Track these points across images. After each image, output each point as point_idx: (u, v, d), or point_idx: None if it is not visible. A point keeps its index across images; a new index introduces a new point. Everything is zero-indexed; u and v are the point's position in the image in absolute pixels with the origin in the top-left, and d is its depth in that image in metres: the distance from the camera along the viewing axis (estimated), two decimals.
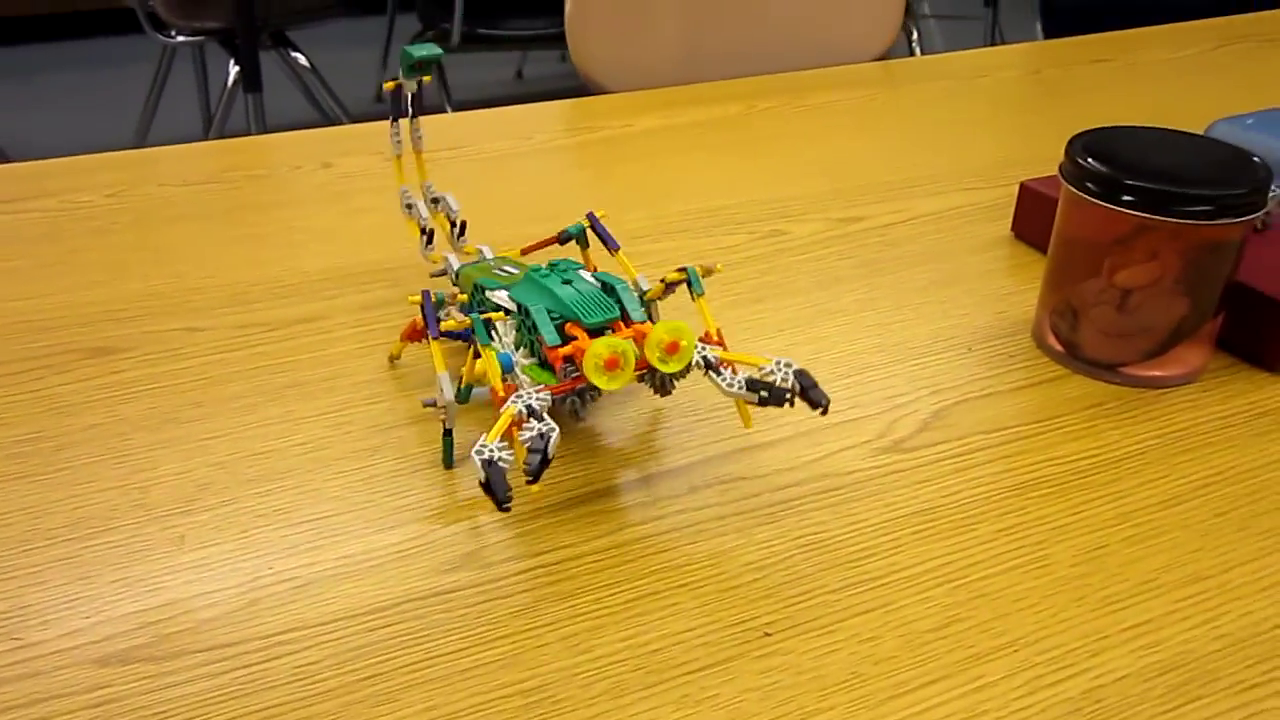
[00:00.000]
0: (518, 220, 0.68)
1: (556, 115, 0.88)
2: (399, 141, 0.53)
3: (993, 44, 2.65)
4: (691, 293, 0.46)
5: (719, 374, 0.42)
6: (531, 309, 0.43)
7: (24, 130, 3.05)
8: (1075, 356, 0.54)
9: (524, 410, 0.39)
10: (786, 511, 0.43)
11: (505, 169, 0.76)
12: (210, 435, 0.47)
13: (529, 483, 0.37)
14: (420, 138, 0.54)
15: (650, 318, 0.47)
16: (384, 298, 0.59)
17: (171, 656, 0.36)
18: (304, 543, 0.41)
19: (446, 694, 0.35)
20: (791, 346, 0.55)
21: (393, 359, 0.53)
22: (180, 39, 2.14)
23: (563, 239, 0.52)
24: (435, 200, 0.55)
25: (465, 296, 0.50)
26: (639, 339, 0.42)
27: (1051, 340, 0.55)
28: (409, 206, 0.55)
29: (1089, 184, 0.51)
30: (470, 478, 0.45)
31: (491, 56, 3.27)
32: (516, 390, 0.41)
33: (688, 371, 0.43)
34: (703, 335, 0.45)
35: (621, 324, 0.43)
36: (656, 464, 0.46)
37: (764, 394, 0.41)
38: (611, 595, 0.39)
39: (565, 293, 0.43)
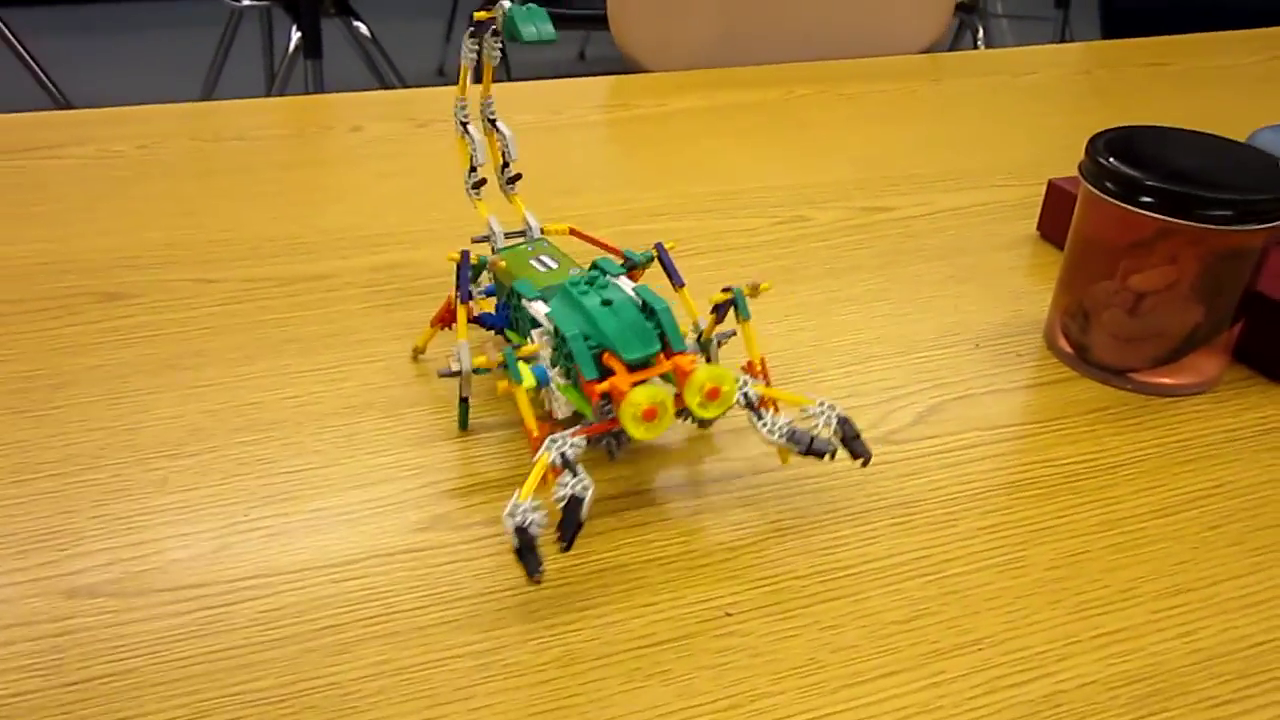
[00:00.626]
0: (537, 192, 0.68)
1: (589, 92, 0.87)
2: (475, 54, 0.47)
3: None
4: (737, 315, 0.43)
5: (760, 417, 0.40)
6: (569, 338, 0.40)
7: (96, 87, 3.11)
8: (1085, 360, 0.53)
9: (559, 460, 0.37)
10: (767, 494, 0.43)
11: (530, 140, 0.76)
12: (206, 383, 0.48)
13: (562, 549, 0.36)
14: (496, 53, 0.47)
15: (708, 358, 0.45)
16: (395, 260, 0.59)
17: (137, 593, 0.37)
18: (280, 493, 0.41)
19: (399, 649, 0.35)
20: (796, 331, 0.54)
21: (417, 352, 0.50)
22: (246, 3, 2.17)
23: (627, 265, 0.47)
24: (492, 121, 0.50)
25: (490, 279, 0.48)
26: (680, 376, 0.39)
27: (1062, 342, 0.54)
28: (464, 125, 0.49)
29: (1108, 183, 0.49)
30: (464, 445, 0.45)
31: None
32: (549, 434, 0.38)
33: (727, 410, 0.40)
34: (745, 365, 0.43)
35: (663, 356, 0.41)
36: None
37: (806, 446, 0.39)
38: (577, 566, 0.39)
39: (604, 319, 0.40)
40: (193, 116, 0.77)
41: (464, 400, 0.44)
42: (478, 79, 0.48)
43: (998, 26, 3.79)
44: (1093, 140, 0.51)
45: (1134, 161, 0.49)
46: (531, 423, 0.40)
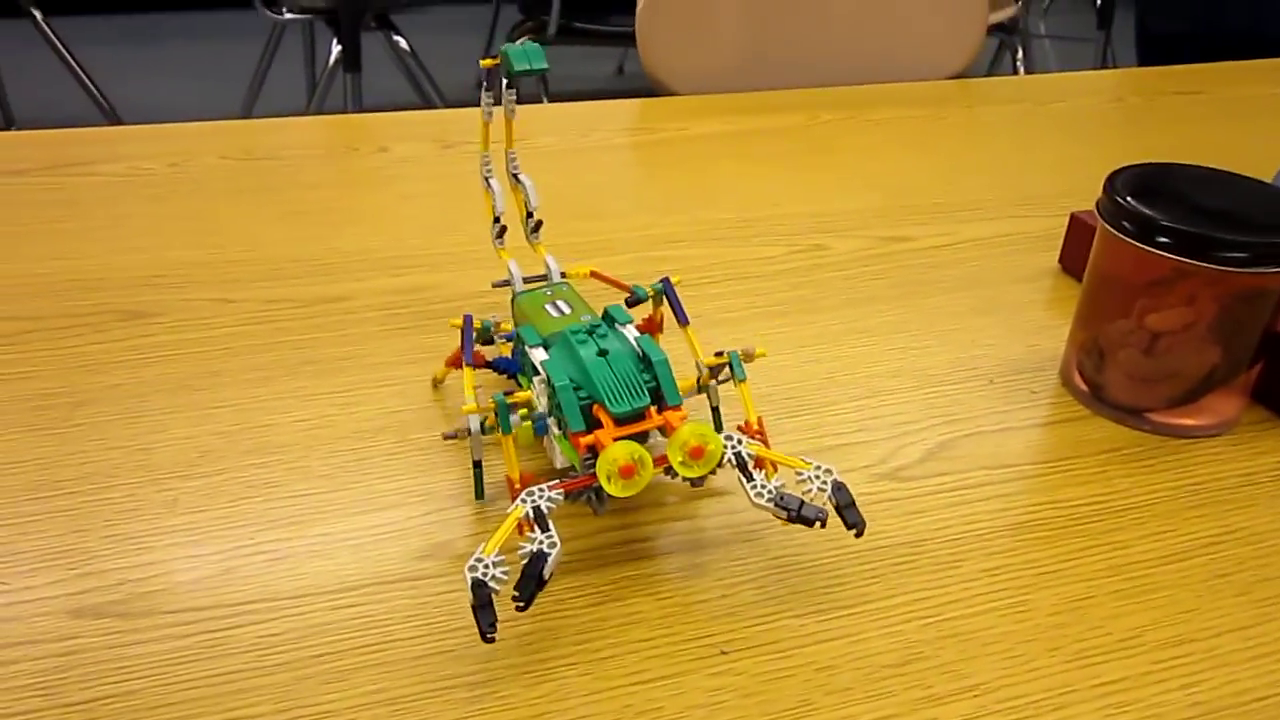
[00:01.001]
0: (559, 215, 0.69)
1: (616, 115, 0.88)
2: (490, 110, 0.49)
3: (1103, 67, 2.57)
4: (733, 377, 0.43)
5: (750, 479, 0.38)
6: (557, 389, 0.39)
7: (143, 96, 3.17)
8: (1099, 398, 0.52)
9: (530, 513, 0.37)
10: (769, 530, 0.43)
11: (555, 164, 0.77)
12: (220, 404, 0.49)
13: (518, 609, 0.35)
14: (514, 107, 0.48)
15: (710, 398, 0.45)
16: (414, 283, 0.60)
17: (142, 615, 0.37)
18: (287, 517, 0.42)
19: (394, 679, 0.35)
20: (809, 363, 0.54)
21: (436, 383, 0.51)
22: (289, 16, 2.21)
23: (630, 302, 0.47)
24: (515, 176, 0.51)
25: (509, 325, 0.48)
26: (669, 431, 0.39)
27: (1077, 380, 0.53)
28: (486, 180, 0.51)
29: (1124, 223, 0.49)
30: (461, 477, 0.45)
31: (595, 50, 3.29)
32: (530, 485, 0.38)
33: (717, 469, 0.39)
34: (741, 424, 0.43)
35: (654, 410, 0.40)
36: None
37: (794, 512, 0.37)
38: (575, 598, 0.39)
39: (596, 369, 0.40)
40: (223, 134, 0.79)
41: (477, 464, 0.43)
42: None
43: (1040, 48, 3.76)
44: (1111, 178, 0.51)
45: (1151, 200, 0.49)
46: (514, 472, 0.40)
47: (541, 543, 0.36)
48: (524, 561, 0.35)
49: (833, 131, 0.86)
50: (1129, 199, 0.49)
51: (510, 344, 0.48)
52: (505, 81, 0.46)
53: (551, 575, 0.36)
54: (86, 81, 2.38)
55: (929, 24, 1.06)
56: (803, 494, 0.38)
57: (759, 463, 0.40)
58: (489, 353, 0.53)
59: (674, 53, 1.00)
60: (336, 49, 2.16)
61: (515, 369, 0.45)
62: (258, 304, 0.57)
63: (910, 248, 0.67)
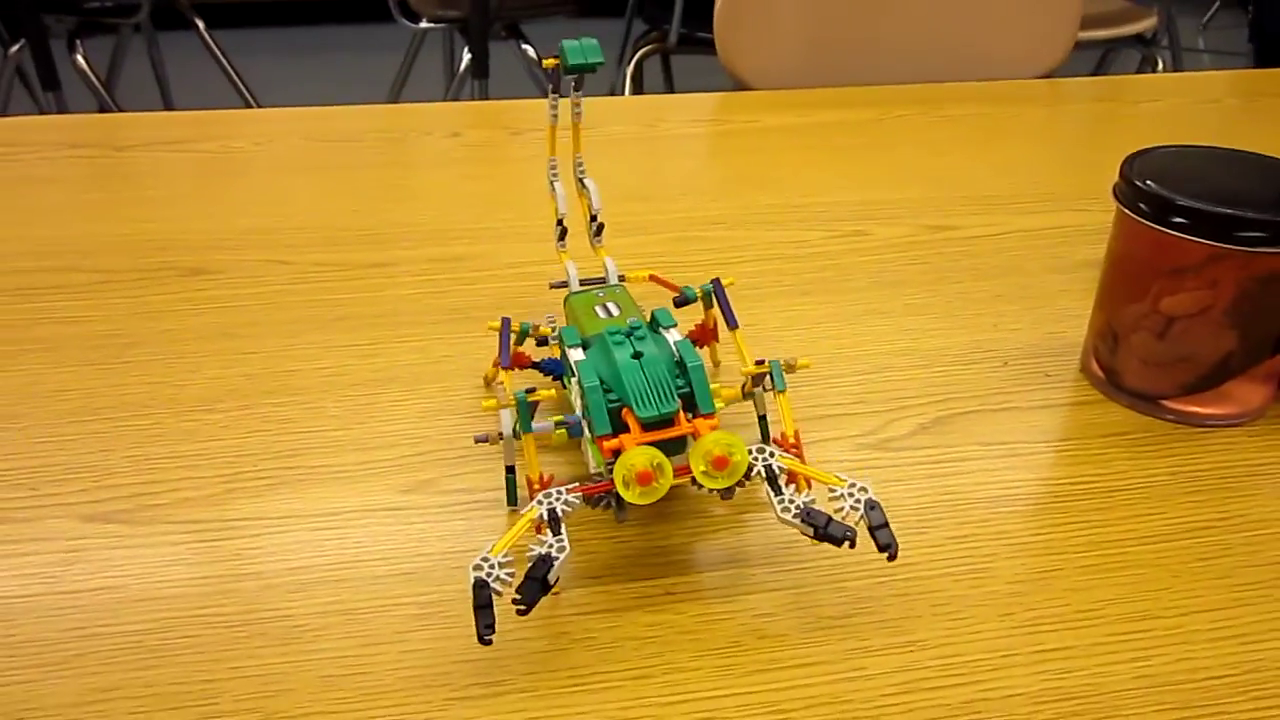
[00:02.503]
0: (607, 197, 0.71)
1: (688, 106, 0.90)
2: (555, 114, 0.48)
3: None
4: (773, 386, 0.42)
5: (778, 493, 0.37)
6: (586, 389, 0.38)
7: (291, 102, 3.36)
8: (1115, 385, 0.51)
9: (544, 515, 0.36)
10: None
11: (617, 150, 0.79)
12: (253, 351, 0.52)
13: (519, 613, 0.34)
14: (580, 113, 0.47)
15: (757, 406, 0.44)
16: (455, 252, 0.63)
17: (145, 523, 0.41)
18: (290, 450, 0.45)
19: (351, 592, 0.38)
20: (821, 339, 0.55)
21: (489, 381, 0.50)
22: (424, 25, 2.31)
23: (679, 302, 0.46)
24: (582, 181, 0.50)
25: (548, 330, 0.48)
26: (696, 438, 0.37)
27: (1094, 366, 0.52)
28: (552, 184, 0.50)
29: (1141, 204, 0.48)
30: (471, 421, 0.48)
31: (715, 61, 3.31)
32: (549, 485, 0.38)
33: (746, 481, 0.37)
34: (777, 437, 0.42)
35: (684, 415, 0.38)
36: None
37: (821, 529, 0.36)
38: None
39: (628, 372, 0.38)
40: (309, 119, 0.84)
41: (510, 469, 0.42)
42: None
43: (1198, 62, 3.59)
44: (1128, 160, 0.50)
45: (1167, 182, 0.47)
46: (534, 472, 0.39)
47: (551, 546, 0.35)
48: (529, 564, 0.34)
49: (903, 127, 0.85)
50: (1145, 181, 0.48)
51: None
52: (571, 81, 0.45)
53: (557, 580, 0.34)
54: (242, 88, 2.55)
55: (1018, 23, 1.04)
56: (835, 511, 0.36)
57: (791, 477, 0.38)
58: (537, 354, 0.53)
59: (752, 49, 1.01)
60: (468, 56, 2.25)
61: (560, 370, 0.44)
62: (307, 266, 0.61)
63: (952, 237, 0.67)
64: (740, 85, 1.05)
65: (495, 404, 0.41)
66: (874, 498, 0.36)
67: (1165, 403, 0.50)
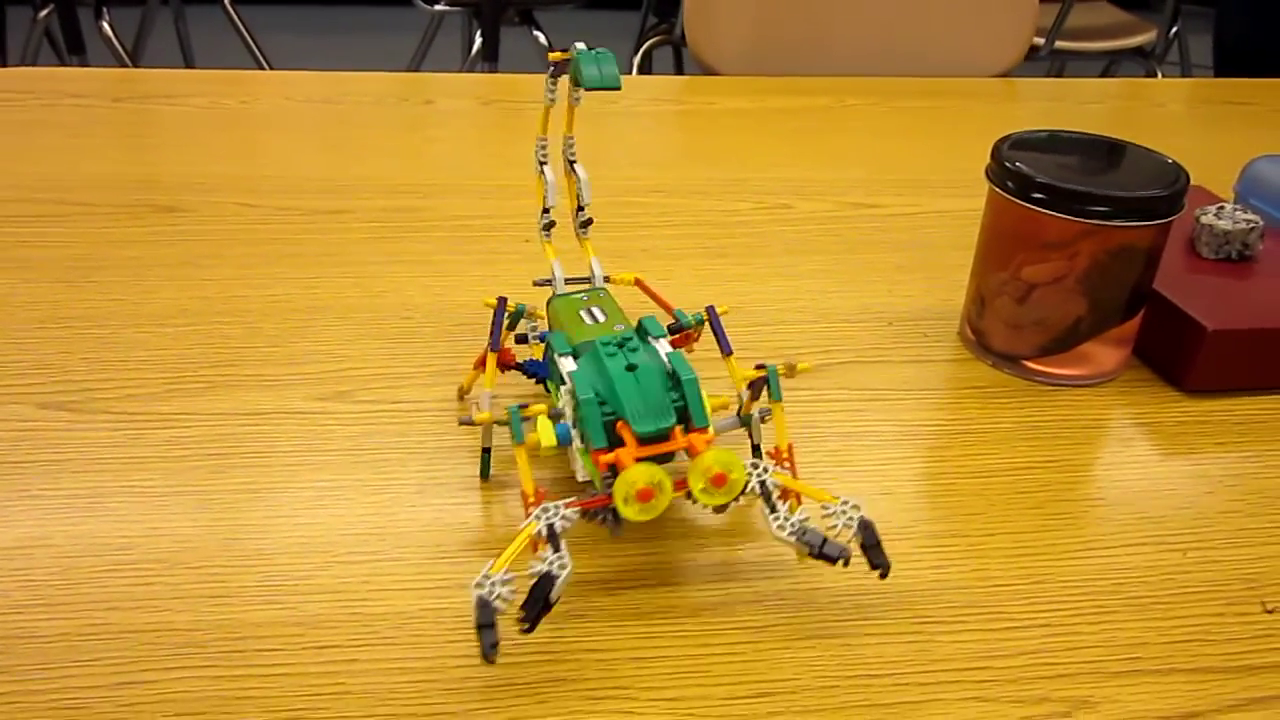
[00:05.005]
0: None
1: (649, 87, 0.95)
2: (553, 97, 0.46)
3: None
4: (769, 395, 0.42)
5: (773, 510, 0.38)
6: (581, 402, 0.38)
7: None
8: (982, 345, 0.56)
9: (543, 531, 0.36)
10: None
11: (580, 122, 0.84)
12: (209, 278, 0.58)
13: (522, 630, 0.34)
14: (579, 99, 0.46)
15: (751, 435, 0.44)
16: (408, 204, 0.68)
17: (91, 413, 0.47)
18: (229, 360, 0.51)
19: (266, 475, 0.44)
20: (723, 295, 0.60)
21: (462, 392, 0.50)
22: (438, 8, 2.37)
23: (674, 329, 0.47)
24: (571, 163, 0.49)
25: (542, 313, 0.48)
26: (692, 455, 0.37)
27: (967, 329, 0.57)
28: (541, 165, 0.48)
29: (1007, 182, 0.53)
30: (393, 342, 0.53)
31: None
32: (544, 501, 0.38)
33: (740, 497, 0.38)
34: (771, 450, 0.41)
35: (680, 430, 0.38)
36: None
37: (816, 547, 0.37)
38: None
39: (623, 385, 0.38)
40: (293, 82, 0.90)
41: (486, 451, 0.44)
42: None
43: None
44: (999, 142, 0.54)
45: (1032, 161, 0.52)
46: (529, 486, 0.39)
47: (552, 564, 0.35)
48: (532, 582, 0.35)
49: (854, 115, 0.90)
50: (1011, 161, 0.53)
51: (543, 345, 0.47)
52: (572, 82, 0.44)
53: (559, 598, 0.35)
54: (263, 63, 2.61)
55: (977, 24, 1.08)
56: (827, 529, 0.37)
57: (784, 493, 0.39)
58: (519, 353, 0.53)
59: (720, 37, 1.06)
60: (479, 40, 2.30)
61: (544, 374, 0.45)
62: (269, 209, 0.67)
63: (872, 214, 0.72)
64: (709, 73, 1.10)
65: (490, 416, 0.41)
66: (866, 517, 0.37)
67: (1026, 363, 0.55)
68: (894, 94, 0.96)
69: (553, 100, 0.47)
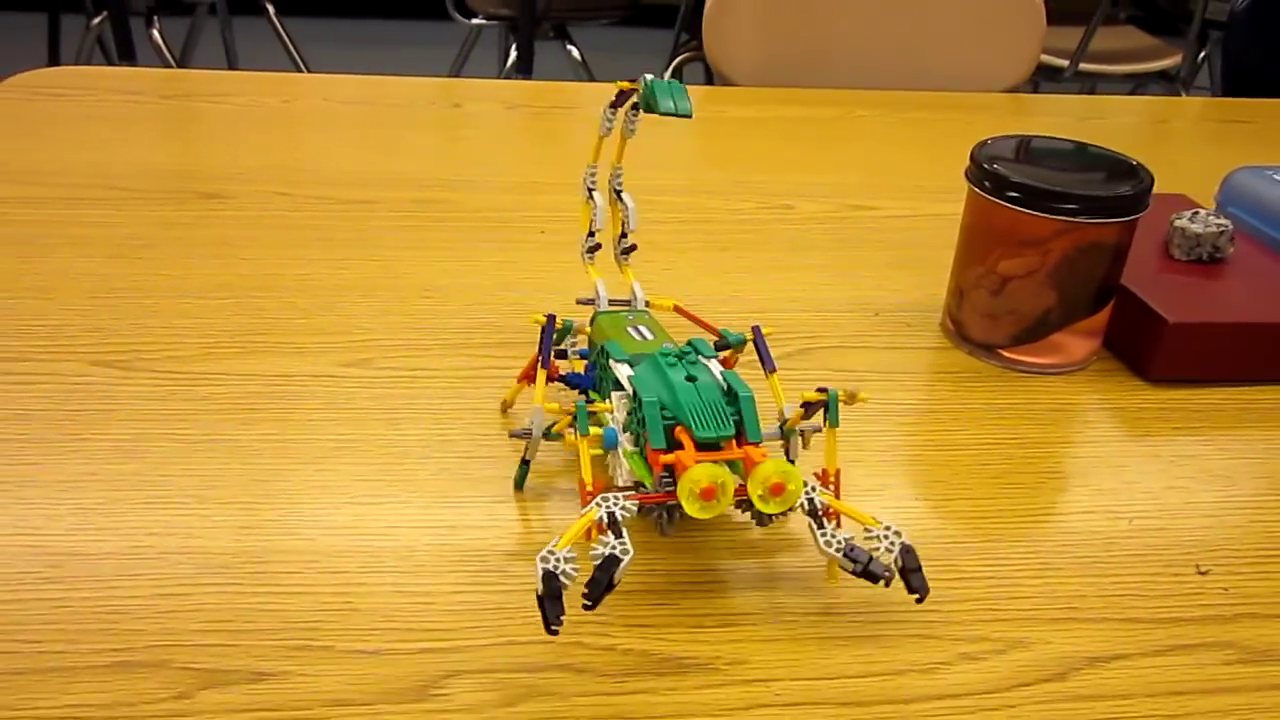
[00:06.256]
0: (561, 170, 0.81)
1: None
2: (610, 126, 0.48)
3: None
4: (825, 421, 0.42)
5: (821, 526, 0.39)
6: (645, 404, 0.39)
7: None
8: (960, 335, 0.59)
9: (604, 518, 0.37)
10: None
11: (587, 127, 0.89)
12: (246, 258, 0.63)
13: (586, 607, 0.35)
14: (634, 130, 0.48)
15: (788, 450, 0.44)
16: (435, 196, 0.73)
17: (137, 370, 0.52)
18: (259, 329, 0.56)
19: (287, 426, 0.48)
20: (721, 286, 0.64)
21: (505, 406, 0.51)
22: (475, 21, 2.43)
23: (720, 345, 0.48)
24: (618, 192, 0.51)
25: (585, 339, 0.49)
26: (748, 466, 0.39)
27: (947, 320, 0.61)
28: (590, 191, 0.50)
29: (985, 182, 0.56)
30: (408, 318, 0.58)
31: None
32: (604, 489, 0.39)
33: (789, 512, 0.40)
34: (819, 472, 0.42)
35: (734, 442, 0.40)
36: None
37: (862, 566, 0.38)
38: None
39: (685, 393, 0.40)
40: (333, 85, 0.95)
41: (525, 462, 0.45)
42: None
43: None
44: (978, 145, 0.58)
45: (1007, 163, 0.56)
46: (588, 475, 0.40)
47: (614, 547, 0.36)
48: (595, 563, 0.36)
49: (862, 125, 0.94)
50: (988, 162, 0.57)
51: (583, 360, 0.49)
52: (633, 104, 0.46)
53: (620, 580, 0.36)
54: (305, 72, 2.70)
55: (987, 40, 1.12)
56: (870, 550, 0.39)
57: (828, 513, 0.40)
58: (560, 368, 0.52)
59: (738, 49, 1.10)
60: (514, 53, 2.37)
61: (589, 385, 0.46)
62: (305, 199, 0.72)
63: (870, 215, 0.75)
64: (724, 83, 1.14)
65: (558, 406, 0.44)
66: (908, 542, 0.38)
67: (1001, 351, 0.58)
68: (904, 106, 1.00)
69: (608, 130, 0.48)
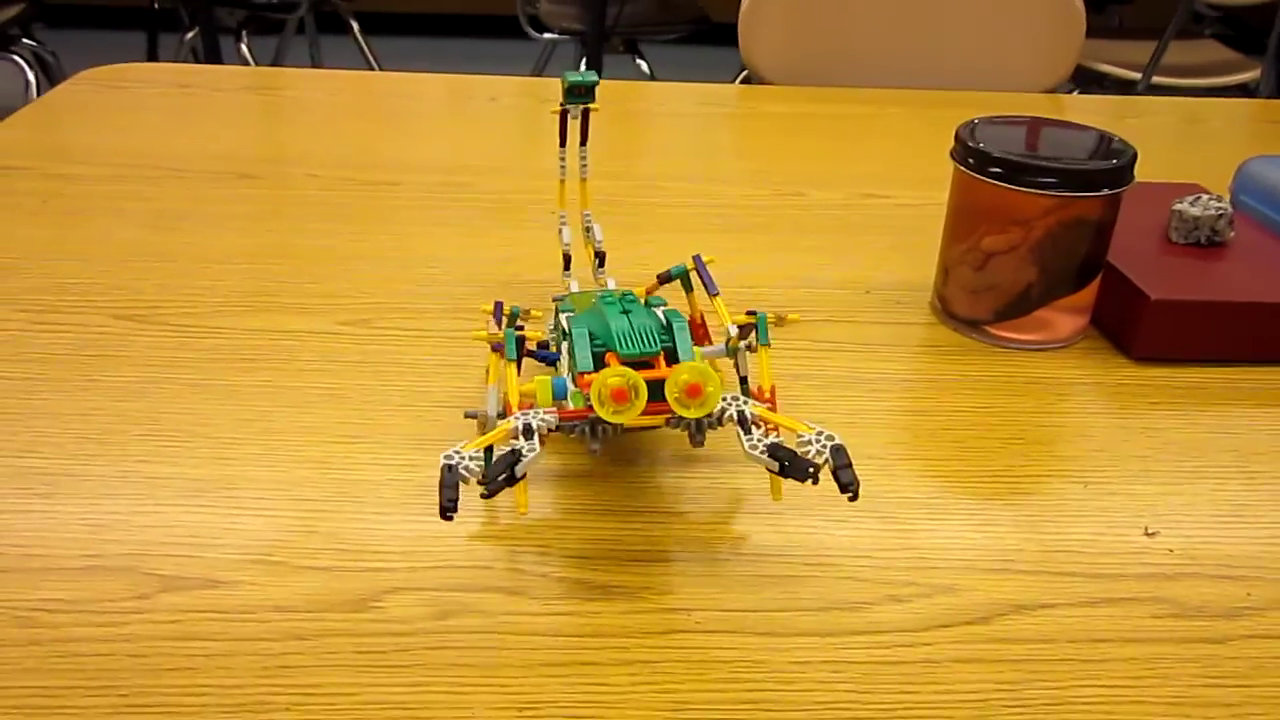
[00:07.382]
0: (595, 155, 0.83)
1: (697, 93, 1.01)
2: (564, 167, 0.52)
3: None
4: (756, 339, 0.43)
5: (748, 433, 0.39)
6: (573, 332, 0.41)
7: None
8: (947, 311, 0.60)
9: (519, 428, 0.38)
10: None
11: (620, 123, 0.92)
12: (268, 232, 0.67)
13: (482, 495, 0.37)
14: (586, 166, 0.52)
15: (738, 366, 0.45)
16: (459, 180, 0.76)
17: (152, 322, 0.56)
18: (271, 290, 0.59)
19: (282, 374, 0.51)
20: (725, 264, 0.66)
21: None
22: (547, 36, 2.49)
23: (663, 279, 0.49)
24: (588, 229, 0.54)
25: (538, 313, 0.52)
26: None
27: (935, 298, 0.61)
28: (560, 231, 0.54)
29: (969, 159, 0.57)
30: (411, 284, 0.61)
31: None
32: (529, 408, 0.39)
33: (720, 423, 0.40)
34: (754, 390, 0.43)
35: (662, 361, 0.40)
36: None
37: (785, 464, 0.37)
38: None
39: (616, 322, 0.40)
40: (369, 80, 0.99)
41: (489, 449, 0.43)
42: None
43: None
44: (963, 125, 0.59)
45: (992, 141, 0.57)
46: (514, 396, 0.41)
47: (522, 446, 0.37)
48: (495, 458, 0.37)
49: (890, 122, 0.95)
50: (973, 141, 0.57)
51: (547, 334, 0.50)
52: (581, 138, 0.51)
53: (524, 476, 0.37)
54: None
55: (1018, 41, 1.12)
56: (802, 453, 0.38)
57: (760, 423, 0.40)
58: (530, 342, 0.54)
59: (772, 48, 1.12)
60: (583, 65, 2.42)
61: (556, 357, 0.47)
62: (331, 179, 0.75)
63: (880, 203, 0.76)
64: (759, 81, 1.16)
65: (484, 335, 0.45)
66: (840, 443, 0.37)
67: (986, 328, 0.59)
68: (936, 105, 1.00)
69: (564, 170, 0.54)
